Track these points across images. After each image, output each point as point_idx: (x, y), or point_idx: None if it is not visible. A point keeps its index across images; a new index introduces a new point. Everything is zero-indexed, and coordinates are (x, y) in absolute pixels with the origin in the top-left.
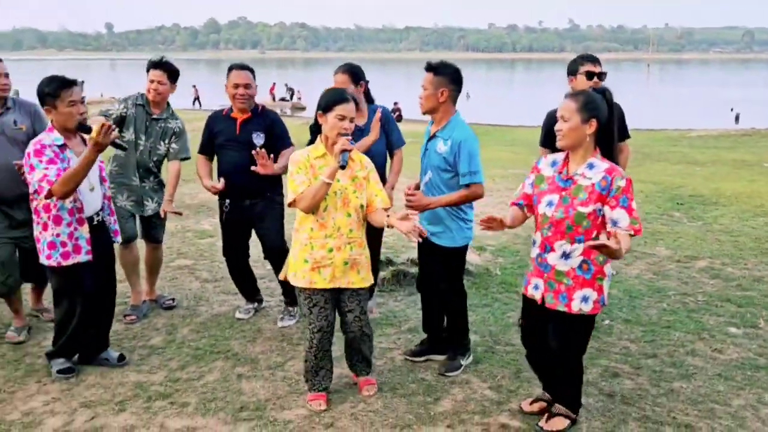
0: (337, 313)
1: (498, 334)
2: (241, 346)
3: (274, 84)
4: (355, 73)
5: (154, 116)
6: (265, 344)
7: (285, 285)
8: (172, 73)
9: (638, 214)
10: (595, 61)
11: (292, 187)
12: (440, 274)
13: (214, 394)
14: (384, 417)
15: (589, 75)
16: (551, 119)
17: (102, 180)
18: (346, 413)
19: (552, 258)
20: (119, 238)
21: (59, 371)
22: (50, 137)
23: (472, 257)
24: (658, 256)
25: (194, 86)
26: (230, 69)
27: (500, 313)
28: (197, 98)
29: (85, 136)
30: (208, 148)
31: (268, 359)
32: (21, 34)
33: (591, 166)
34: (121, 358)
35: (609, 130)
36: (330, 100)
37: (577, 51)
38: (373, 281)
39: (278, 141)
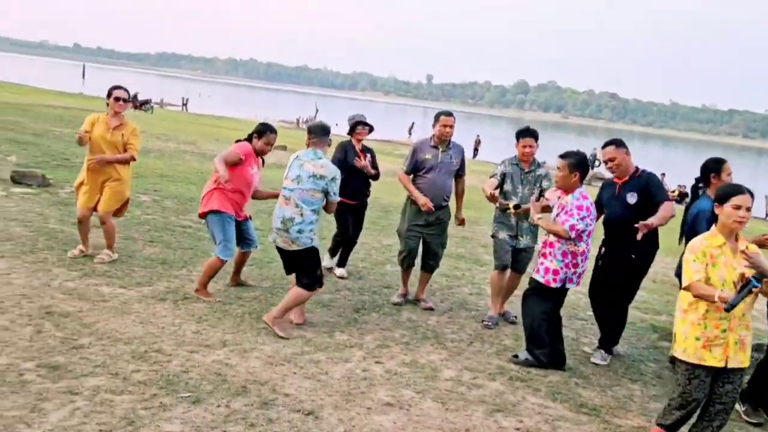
0: None
1: None
2: (573, 363)
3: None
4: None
5: (526, 170)
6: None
7: (607, 333)
8: (537, 137)
9: None
10: None
11: (688, 274)
12: None
13: (558, 389)
14: None
15: None
16: None
17: None
18: None
19: None
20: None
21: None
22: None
23: None
24: None
25: (477, 136)
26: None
27: None
28: (477, 148)
29: None
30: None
31: (600, 376)
32: (358, 77)
33: None
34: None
35: None
36: (727, 192)
37: None
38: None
39: (652, 198)
